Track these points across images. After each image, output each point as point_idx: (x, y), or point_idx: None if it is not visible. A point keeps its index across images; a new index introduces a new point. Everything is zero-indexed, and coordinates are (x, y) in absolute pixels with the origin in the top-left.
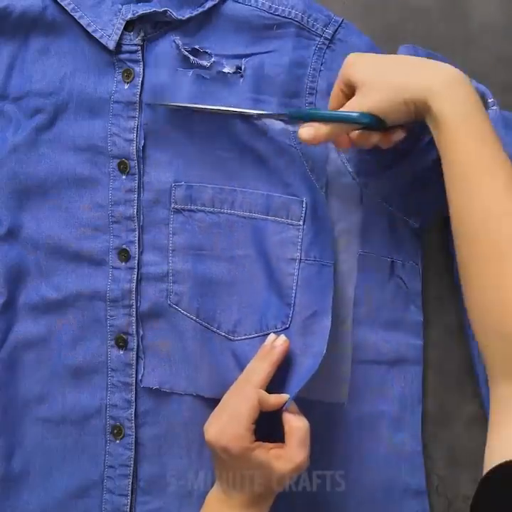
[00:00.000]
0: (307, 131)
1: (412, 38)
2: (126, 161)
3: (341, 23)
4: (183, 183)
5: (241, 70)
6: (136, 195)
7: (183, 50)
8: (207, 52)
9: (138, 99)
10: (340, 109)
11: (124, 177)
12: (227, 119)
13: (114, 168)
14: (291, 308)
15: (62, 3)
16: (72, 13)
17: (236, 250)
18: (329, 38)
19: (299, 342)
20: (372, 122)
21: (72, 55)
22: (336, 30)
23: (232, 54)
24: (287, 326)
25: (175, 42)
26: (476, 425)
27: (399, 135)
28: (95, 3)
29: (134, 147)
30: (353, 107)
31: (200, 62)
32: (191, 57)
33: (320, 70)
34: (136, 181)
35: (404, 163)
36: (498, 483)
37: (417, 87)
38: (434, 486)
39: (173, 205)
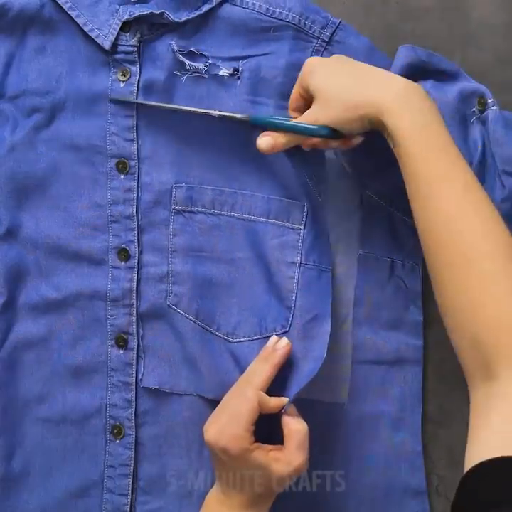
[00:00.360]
0: (266, 141)
1: (412, 38)
2: (125, 160)
3: (339, 24)
4: (183, 184)
5: (238, 72)
6: (135, 195)
7: (178, 55)
8: (203, 55)
9: (135, 97)
10: (299, 119)
11: (122, 176)
12: (228, 121)
13: (112, 168)
14: (291, 312)
15: (59, 1)
16: (68, 12)
17: (236, 252)
18: (327, 40)
19: (299, 346)
20: (330, 134)
21: (69, 54)
22: (334, 32)
23: (228, 56)
24: (287, 329)
25: (171, 46)
26: None
27: (357, 139)
28: (92, 3)
29: (135, 147)
30: (311, 118)
31: (196, 65)
32: (187, 62)
33: None
34: (136, 181)
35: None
36: (476, 482)
37: (369, 104)
38: (434, 486)
39: (173, 206)
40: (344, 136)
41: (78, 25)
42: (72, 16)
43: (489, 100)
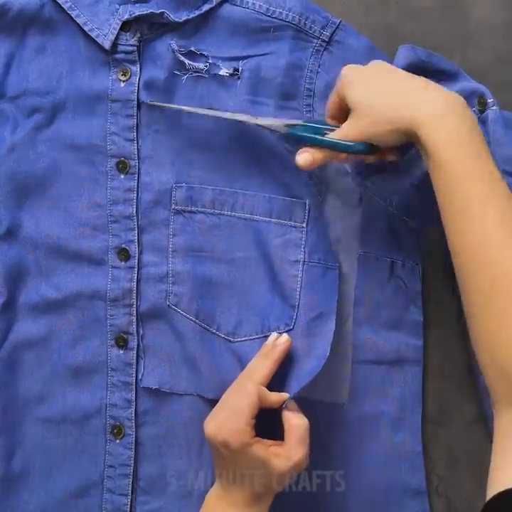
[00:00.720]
0: (304, 158)
1: (412, 38)
2: (125, 160)
3: (339, 24)
4: (183, 184)
5: (238, 72)
6: (135, 195)
7: (178, 55)
8: (203, 55)
9: (135, 97)
10: (337, 134)
11: (122, 176)
12: (228, 121)
13: (112, 168)
14: (295, 310)
15: (59, 1)
16: (69, 12)
17: (236, 252)
18: (327, 40)
19: (303, 343)
20: (366, 150)
21: (69, 54)
22: (334, 32)
23: (228, 56)
24: (291, 327)
25: (171, 46)
26: (476, 425)
27: (393, 156)
28: (92, 2)
29: (135, 146)
30: (347, 132)
31: (196, 65)
32: (187, 62)
33: (317, 72)
34: (136, 181)
35: (403, 163)
36: (499, 510)
37: (406, 118)
38: (434, 486)
39: (173, 206)
40: (380, 149)
41: (78, 24)
42: (72, 15)
43: (489, 100)
